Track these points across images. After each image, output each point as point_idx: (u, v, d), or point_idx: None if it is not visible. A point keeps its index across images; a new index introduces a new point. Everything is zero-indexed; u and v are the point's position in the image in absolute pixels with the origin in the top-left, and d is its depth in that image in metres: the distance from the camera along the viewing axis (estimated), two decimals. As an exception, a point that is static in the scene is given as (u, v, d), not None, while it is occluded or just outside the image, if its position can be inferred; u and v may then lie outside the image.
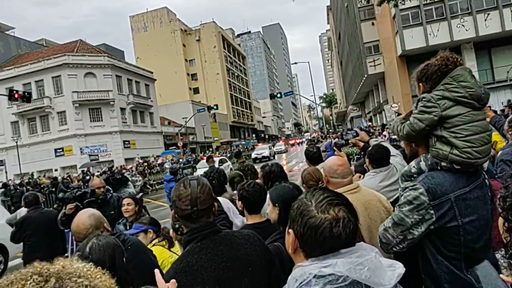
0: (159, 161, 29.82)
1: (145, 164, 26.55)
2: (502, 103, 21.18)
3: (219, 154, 36.15)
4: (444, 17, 23.92)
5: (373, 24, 30.52)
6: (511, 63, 24.15)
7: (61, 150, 32.97)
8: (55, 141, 32.99)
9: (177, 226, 2.09)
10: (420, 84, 1.73)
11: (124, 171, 23.29)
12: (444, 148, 1.57)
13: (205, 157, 24.66)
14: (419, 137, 1.66)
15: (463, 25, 23.53)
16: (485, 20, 23.13)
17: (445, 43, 23.60)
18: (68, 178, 21.96)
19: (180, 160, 28.67)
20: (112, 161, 33.28)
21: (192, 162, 24.74)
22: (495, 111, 12.21)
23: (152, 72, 42.86)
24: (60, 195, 3.86)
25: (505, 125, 3.32)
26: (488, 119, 3.59)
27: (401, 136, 1.72)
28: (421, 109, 1.61)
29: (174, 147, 38.68)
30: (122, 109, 35.74)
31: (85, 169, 26.69)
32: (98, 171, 24.13)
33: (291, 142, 71.25)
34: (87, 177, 20.88)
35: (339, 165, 2.22)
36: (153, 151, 36.93)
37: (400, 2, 11.78)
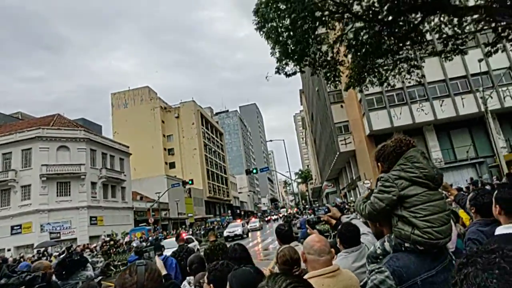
0: (126, 239, 27.90)
1: (111, 242, 24.70)
2: (466, 180, 22.32)
3: (185, 232, 33.94)
4: (405, 102, 26.38)
5: (342, 106, 33.02)
6: (469, 144, 26.18)
7: (18, 227, 30.38)
8: (14, 217, 30.56)
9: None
10: (379, 164, 1.81)
11: (87, 250, 21.47)
12: (405, 228, 1.57)
13: (171, 235, 23.40)
14: (381, 216, 1.67)
15: (422, 109, 25.91)
16: (441, 105, 25.68)
17: (408, 124, 25.62)
18: (21, 259, 19.83)
19: (150, 238, 26.99)
20: (75, 239, 30.80)
21: (161, 239, 23.32)
22: (460, 189, 12.71)
23: (128, 147, 42.80)
24: (3, 281, 3.41)
25: (467, 203, 3.43)
26: (451, 197, 3.71)
27: (364, 216, 1.72)
28: (380, 189, 1.65)
29: (145, 223, 36.73)
30: (93, 183, 34.49)
31: (42, 249, 24.38)
32: (56, 251, 22.09)
33: (267, 219, 69.95)
34: (43, 258, 18.94)
35: (316, 241, 2.15)
36: (121, 228, 34.79)
37: (364, 89, 12.98)
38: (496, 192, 2.32)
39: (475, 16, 10.09)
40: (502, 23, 9.73)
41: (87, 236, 31.60)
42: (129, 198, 40.49)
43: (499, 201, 2.18)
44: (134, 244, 23.08)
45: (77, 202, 32.36)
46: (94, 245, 24.81)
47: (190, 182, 36.86)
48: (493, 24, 10.50)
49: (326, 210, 3.27)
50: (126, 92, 68.61)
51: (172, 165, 66.07)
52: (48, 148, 32.13)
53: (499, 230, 2.14)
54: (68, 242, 29.20)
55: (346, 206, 20.25)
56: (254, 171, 34.71)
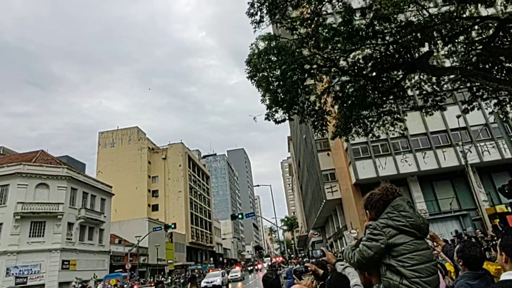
0: (99, 286, 26.07)
1: (83, 290, 23.01)
2: (451, 233, 22.32)
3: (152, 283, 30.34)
4: (389, 153, 27.06)
5: (328, 154, 33.58)
6: (452, 196, 26.57)
7: (-18, 270, 28.12)
8: (-22, 259, 28.42)
9: None
10: (367, 211, 1.84)
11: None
12: (394, 277, 1.57)
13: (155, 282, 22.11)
14: (369, 264, 1.67)
15: (406, 161, 26.56)
16: (423, 157, 26.42)
17: (393, 175, 26.04)
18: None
19: (125, 285, 25.33)
20: (43, 285, 28.59)
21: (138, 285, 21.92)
22: (446, 241, 12.68)
23: (111, 187, 41.66)
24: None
25: (454, 255, 3.42)
26: (439, 248, 3.71)
27: (353, 264, 1.72)
28: (368, 237, 1.66)
29: (121, 269, 34.61)
30: (70, 224, 32.88)
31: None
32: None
33: (249, 268, 67.29)
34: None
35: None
36: (96, 273, 32.60)
37: (350, 138, 13.37)
38: (500, 240, 2.30)
39: (452, 76, 10.85)
40: (476, 84, 10.46)
41: (56, 282, 29.39)
42: (106, 241, 38.51)
43: (505, 248, 2.13)
44: (107, 292, 21.62)
45: (50, 243, 30.53)
46: (64, 292, 23.05)
47: (172, 226, 35.58)
48: (468, 84, 11.28)
49: (322, 253, 3.12)
50: (114, 132, 68.38)
51: (155, 208, 64.14)
52: (27, 185, 30.96)
53: (505, 276, 2.10)
54: (35, 288, 27.07)
55: (333, 257, 19.71)
56: (240, 216, 33.99)
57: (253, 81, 10.73)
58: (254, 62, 10.25)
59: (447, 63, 13.18)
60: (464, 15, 9.57)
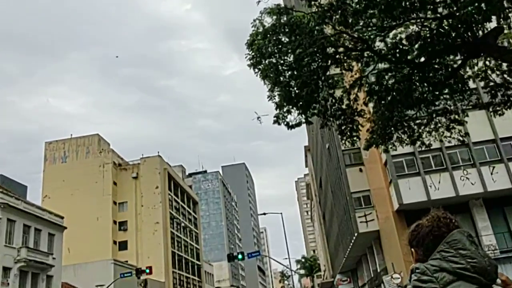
0: None
1: None
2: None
3: None
4: (444, 167, 26.93)
5: (361, 170, 33.47)
6: (533, 227, 26.28)
7: None
8: None
9: None
10: (412, 249, 1.84)
11: None
12: None
13: None
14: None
15: (467, 178, 26.39)
16: (491, 173, 26.24)
17: (450, 197, 25.85)
18: None
19: None
20: None
21: None
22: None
23: (62, 218, 41.83)
24: None
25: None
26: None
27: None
28: (415, 284, 1.66)
29: (76, 332, 34.52)
30: (6, 269, 32.93)
31: None
32: None
33: None
34: None
35: None
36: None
37: (391, 148, 13.37)
38: None
39: (529, 62, 10.86)
40: None
41: None
42: (56, 293, 38.50)
43: None
44: None
45: (-21, 296, 30.58)
46: None
47: (147, 270, 35.57)
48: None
49: None
50: (66, 141, 68.86)
51: (123, 246, 64.06)
52: (-51, 215, 31.19)
53: None
54: None
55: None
56: (240, 256, 33.86)
57: (256, 70, 10.81)
58: (258, 44, 10.35)
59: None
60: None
